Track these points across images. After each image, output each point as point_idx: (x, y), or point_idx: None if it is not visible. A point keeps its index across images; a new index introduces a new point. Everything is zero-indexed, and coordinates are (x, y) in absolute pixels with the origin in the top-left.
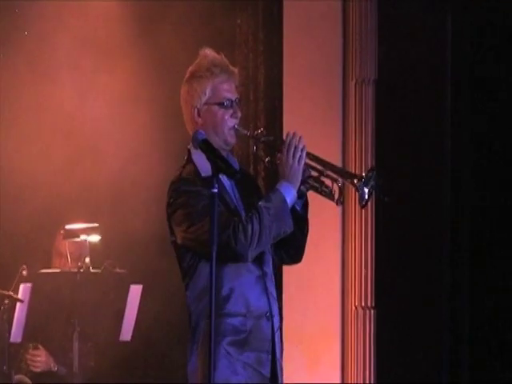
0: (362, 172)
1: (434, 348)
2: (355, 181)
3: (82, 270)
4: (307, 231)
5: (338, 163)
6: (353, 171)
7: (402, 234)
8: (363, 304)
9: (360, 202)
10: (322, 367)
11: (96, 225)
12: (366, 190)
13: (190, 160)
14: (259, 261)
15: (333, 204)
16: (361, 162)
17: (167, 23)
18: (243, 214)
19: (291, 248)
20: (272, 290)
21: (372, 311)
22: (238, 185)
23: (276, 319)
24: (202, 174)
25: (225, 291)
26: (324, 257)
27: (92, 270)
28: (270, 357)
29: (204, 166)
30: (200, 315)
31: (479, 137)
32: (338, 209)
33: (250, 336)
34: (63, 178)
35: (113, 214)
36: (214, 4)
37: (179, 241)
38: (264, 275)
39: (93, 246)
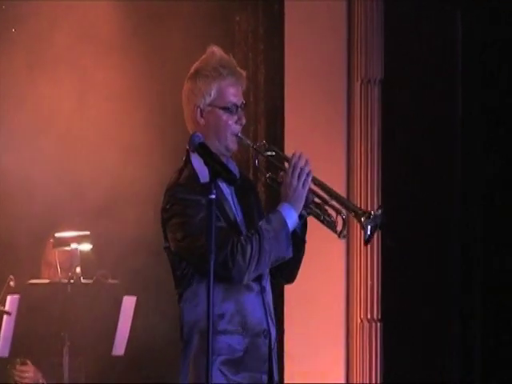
0: (369, 191)
1: (443, 363)
2: (363, 219)
3: (72, 281)
4: (303, 253)
5: (342, 168)
6: (359, 206)
7: (409, 243)
8: (369, 316)
9: (365, 239)
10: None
11: (87, 233)
12: (370, 228)
13: (188, 163)
14: (258, 275)
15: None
16: (366, 166)
17: (163, 21)
18: (242, 227)
19: (286, 268)
20: (270, 305)
21: (378, 324)
22: (237, 192)
23: (273, 337)
24: (201, 180)
25: (220, 307)
26: (328, 266)
27: (83, 281)
28: (266, 378)
29: (203, 171)
30: (193, 328)
31: (492, 140)
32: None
33: (246, 355)
34: (52, 184)
35: (105, 222)
36: (212, 0)
37: (173, 248)
38: (262, 290)
39: (84, 256)
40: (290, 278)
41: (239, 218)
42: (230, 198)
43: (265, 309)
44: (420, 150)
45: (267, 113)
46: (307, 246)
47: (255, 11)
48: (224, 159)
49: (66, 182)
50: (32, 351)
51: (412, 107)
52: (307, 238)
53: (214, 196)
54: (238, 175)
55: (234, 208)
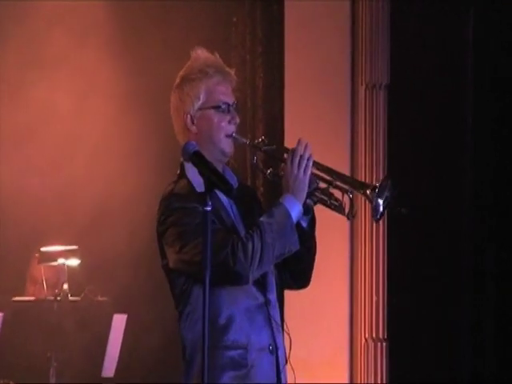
0: (374, 182)
1: None
2: (368, 191)
3: (59, 298)
4: (315, 251)
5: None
6: (365, 181)
7: (418, 257)
8: (374, 335)
9: (374, 215)
10: None
11: (75, 247)
12: (381, 202)
13: (183, 175)
14: (262, 286)
15: (340, 222)
16: (371, 175)
17: (155, 21)
18: (243, 232)
19: (297, 270)
20: (277, 319)
21: (384, 343)
22: (237, 201)
23: (281, 352)
24: (198, 190)
25: (222, 320)
26: (330, 282)
27: (70, 298)
28: None
29: (199, 181)
30: (195, 347)
31: (505, 147)
32: (346, 227)
33: (252, 371)
34: (40, 195)
35: (94, 236)
36: (208, 1)
37: (171, 264)
38: (267, 303)
39: (71, 271)
40: (304, 282)
41: (240, 227)
42: (229, 207)
43: (270, 322)
44: (429, 160)
45: (266, 120)
46: None
47: (253, 12)
48: (220, 167)
49: (54, 192)
50: (16, 372)
51: (420, 113)
52: None
53: (209, 208)
54: (235, 184)
55: (233, 218)
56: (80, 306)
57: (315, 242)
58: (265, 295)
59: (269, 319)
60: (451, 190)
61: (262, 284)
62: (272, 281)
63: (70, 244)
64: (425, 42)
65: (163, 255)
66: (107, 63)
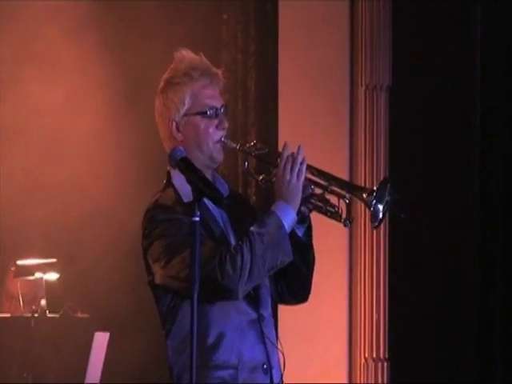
0: (373, 186)
1: None
2: (365, 195)
3: (36, 315)
4: (313, 262)
5: None
6: (363, 185)
7: (421, 271)
8: (374, 355)
9: (372, 222)
10: None
11: (53, 260)
12: (380, 207)
13: (169, 184)
14: (255, 301)
15: (337, 234)
16: (372, 182)
17: (144, 22)
18: (233, 243)
19: (295, 284)
20: (271, 336)
21: (385, 363)
22: (228, 211)
23: (276, 372)
24: (185, 200)
25: (212, 339)
26: (327, 297)
27: (49, 315)
28: None
29: (186, 190)
30: (183, 368)
31: None
32: (345, 239)
33: None
34: (17, 204)
35: (73, 248)
36: None
37: (158, 280)
38: (260, 319)
39: (50, 286)
40: (303, 297)
41: (231, 239)
42: (219, 217)
43: (263, 340)
44: (433, 166)
45: (258, 124)
46: None
47: (245, 8)
48: (210, 174)
49: (32, 202)
50: None
51: (423, 116)
52: None
53: (197, 218)
54: (226, 192)
55: (223, 229)
56: (59, 323)
57: (313, 253)
58: (257, 311)
59: (262, 336)
60: (456, 197)
61: (254, 299)
62: (266, 295)
63: (48, 257)
64: (428, 40)
65: (149, 271)
66: (95, 67)
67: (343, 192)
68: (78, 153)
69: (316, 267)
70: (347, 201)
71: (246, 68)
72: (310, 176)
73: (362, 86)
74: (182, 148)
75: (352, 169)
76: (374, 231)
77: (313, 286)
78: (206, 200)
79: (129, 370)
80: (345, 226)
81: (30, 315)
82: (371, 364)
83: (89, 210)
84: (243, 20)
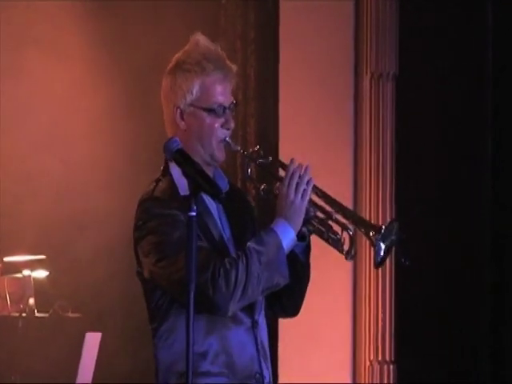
0: (380, 223)
1: None
2: (372, 233)
3: (24, 315)
4: (308, 280)
5: (349, 180)
6: (369, 219)
7: (428, 271)
8: (380, 358)
9: (375, 260)
10: None
11: (43, 257)
12: (383, 246)
13: (166, 172)
14: (249, 307)
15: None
16: (377, 176)
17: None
18: (230, 247)
19: (287, 299)
20: (264, 343)
21: (391, 366)
22: (225, 205)
23: (267, 380)
24: (181, 193)
25: (202, 345)
26: (331, 299)
27: (37, 315)
28: None
29: (183, 181)
30: (170, 370)
31: None
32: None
33: None
34: (3, 198)
35: (63, 244)
36: None
37: (146, 274)
38: (254, 326)
39: (38, 284)
40: (293, 311)
41: (226, 236)
42: (215, 213)
43: (257, 347)
44: (440, 157)
45: (258, 115)
46: None
47: None
48: (211, 169)
49: (19, 196)
50: None
51: (431, 106)
52: None
53: (194, 213)
54: (226, 187)
55: (220, 225)
56: (48, 323)
57: (309, 271)
58: (252, 317)
59: (255, 343)
60: (466, 191)
61: (249, 305)
62: (260, 301)
63: (37, 253)
64: (437, 26)
65: (138, 262)
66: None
67: (347, 223)
68: (70, 149)
69: (320, 267)
70: (350, 233)
71: (245, 56)
72: (315, 199)
73: (367, 74)
74: (177, 139)
75: (356, 163)
76: None
77: (316, 287)
78: (204, 196)
79: (121, 372)
80: (346, 259)
81: (17, 315)
82: (376, 367)
83: (80, 205)
84: (242, 6)
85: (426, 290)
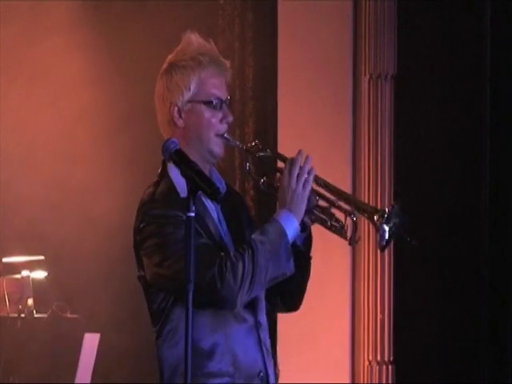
0: (381, 206)
1: None
2: (376, 217)
3: (23, 315)
4: (309, 273)
5: (348, 178)
6: (371, 204)
7: (427, 271)
8: (379, 358)
9: (380, 245)
10: None
11: (41, 257)
12: (387, 229)
13: (165, 174)
14: (252, 307)
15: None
16: (376, 177)
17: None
18: (231, 246)
19: (288, 293)
20: (267, 343)
21: (390, 367)
22: (223, 207)
23: (272, 380)
24: (181, 194)
25: (206, 345)
26: (329, 297)
27: (36, 315)
28: None
29: (182, 183)
30: (175, 372)
31: None
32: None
33: None
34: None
35: (62, 245)
36: None
37: (149, 277)
38: (257, 325)
39: (37, 285)
40: (294, 306)
41: (226, 237)
42: (214, 214)
43: (260, 347)
44: (438, 157)
45: (256, 115)
46: None
47: None
48: (207, 168)
49: (19, 196)
50: None
51: (430, 107)
52: None
53: (193, 214)
54: (223, 189)
55: (219, 226)
56: (47, 324)
57: (310, 263)
58: (255, 317)
59: (259, 343)
60: (464, 190)
61: (251, 304)
62: (261, 300)
63: (36, 254)
64: (436, 27)
65: (140, 265)
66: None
67: (350, 209)
68: (70, 149)
69: (319, 266)
70: (354, 218)
71: (243, 56)
72: (316, 188)
73: (365, 75)
74: (175, 140)
75: (355, 163)
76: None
77: (315, 286)
78: (203, 197)
79: (120, 373)
80: (349, 244)
81: (16, 315)
82: (375, 367)
83: (78, 206)
84: (240, 5)
85: (425, 290)
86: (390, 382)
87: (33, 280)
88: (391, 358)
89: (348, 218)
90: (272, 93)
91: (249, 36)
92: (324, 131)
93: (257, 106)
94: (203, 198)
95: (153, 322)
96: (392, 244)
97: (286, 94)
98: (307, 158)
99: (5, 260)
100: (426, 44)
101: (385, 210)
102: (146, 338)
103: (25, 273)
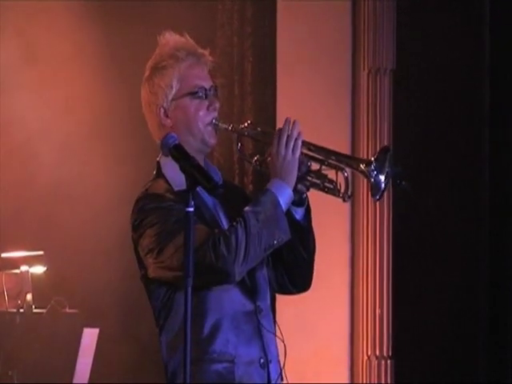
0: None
1: None
2: (363, 166)
3: (22, 310)
4: (314, 247)
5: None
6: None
7: (427, 265)
8: (378, 353)
9: (373, 195)
10: None
11: (40, 253)
12: (381, 178)
13: (159, 174)
14: (251, 293)
15: (339, 224)
16: None
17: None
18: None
19: (295, 271)
20: (270, 328)
21: (389, 361)
22: (223, 202)
23: (274, 366)
24: (175, 188)
25: (206, 330)
26: (327, 291)
27: (35, 310)
28: None
29: (177, 178)
30: (178, 364)
31: None
32: (347, 230)
33: None
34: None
35: (61, 240)
36: None
37: (151, 272)
38: (257, 311)
39: (36, 280)
40: (304, 285)
41: (223, 224)
42: (212, 207)
43: (260, 333)
44: (436, 151)
45: (255, 110)
46: None
47: None
48: (202, 159)
49: (15, 192)
50: None
51: (429, 102)
52: None
53: (192, 208)
54: (220, 181)
55: (218, 219)
56: (46, 319)
57: (313, 237)
58: (254, 302)
59: (258, 329)
60: (463, 184)
61: (250, 290)
62: (264, 286)
63: (35, 249)
64: (435, 22)
65: (141, 265)
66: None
67: (341, 165)
68: (70, 147)
69: (317, 261)
70: (346, 174)
71: (242, 51)
72: (306, 151)
73: (364, 69)
74: (174, 135)
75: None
76: (377, 225)
77: (314, 280)
78: (200, 191)
79: (119, 368)
80: (344, 200)
81: (15, 311)
82: (374, 362)
83: (78, 201)
84: (239, 0)
85: (424, 285)
86: (388, 376)
87: (32, 275)
88: (390, 353)
89: (340, 175)
90: (271, 88)
91: (248, 31)
92: (323, 126)
93: (256, 101)
94: (200, 192)
95: (156, 319)
96: (391, 239)
97: (285, 89)
98: (294, 123)
99: (3, 255)
100: (424, 38)
101: (371, 159)
102: (145, 333)
103: (24, 268)
